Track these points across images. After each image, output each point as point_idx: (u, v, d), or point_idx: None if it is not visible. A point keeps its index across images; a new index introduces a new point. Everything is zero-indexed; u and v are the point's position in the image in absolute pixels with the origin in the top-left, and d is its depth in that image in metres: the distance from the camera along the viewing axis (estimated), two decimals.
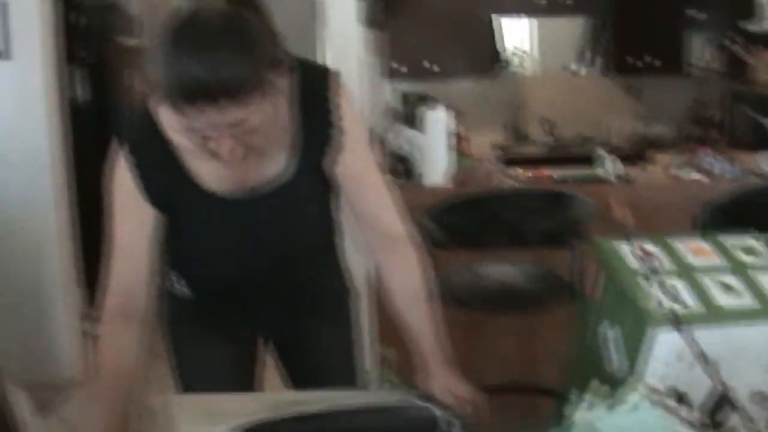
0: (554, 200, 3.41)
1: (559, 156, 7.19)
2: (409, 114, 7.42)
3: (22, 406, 1.63)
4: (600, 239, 1.66)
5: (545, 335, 3.95)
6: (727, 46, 6.79)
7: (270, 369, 2.49)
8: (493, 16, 7.69)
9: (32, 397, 1.75)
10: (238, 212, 2.04)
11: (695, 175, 4.29)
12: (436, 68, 7.52)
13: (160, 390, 1.99)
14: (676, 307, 1.47)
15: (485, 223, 3.41)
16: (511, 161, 5.23)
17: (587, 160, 6.42)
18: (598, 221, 3.32)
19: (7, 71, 4.96)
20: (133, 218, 2.01)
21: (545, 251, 3.57)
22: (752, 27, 6.45)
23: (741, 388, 1.47)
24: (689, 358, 1.46)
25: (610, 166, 2.85)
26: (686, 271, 1.58)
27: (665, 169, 4.42)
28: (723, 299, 1.53)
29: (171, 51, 1.68)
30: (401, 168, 4.46)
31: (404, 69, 7.50)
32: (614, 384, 1.49)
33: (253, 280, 2.19)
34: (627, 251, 1.61)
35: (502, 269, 3.51)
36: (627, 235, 1.60)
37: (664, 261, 1.59)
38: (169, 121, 1.83)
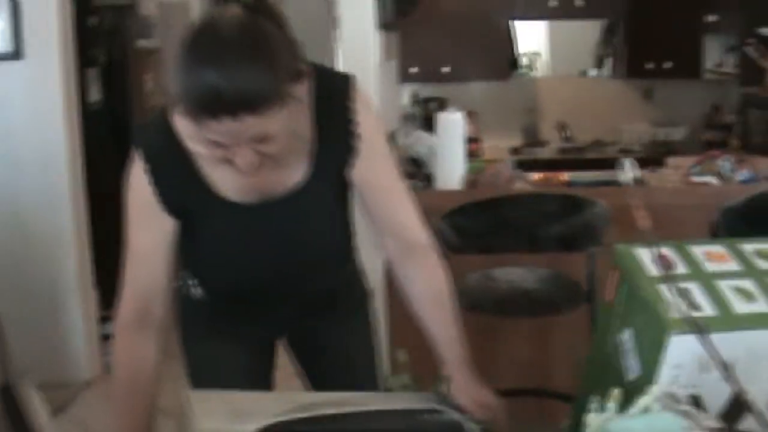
0: (569, 204, 3.40)
1: (574, 159, 7.18)
2: (423, 117, 7.44)
3: (37, 406, 1.63)
4: (618, 244, 1.65)
5: (558, 339, 3.94)
6: (743, 50, 6.77)
7: (288, 372, 2.50)
8: (508, 20, 7.69)
9: (47, 398, 1.76)
10: (255, 219, 2.04)
11: (711, 180, 4.27)
12: (450, 71, 7.52)
13: (174, 390, 2.00)
14: (693, 312, 1.46)
15: (499, 226, 3.40)
16: (526, 164, 5.22)
17: (602, 163, 6.42)
18: (613, 225, 3.31)
19: (20, 71, 4.99)
20: (149, 226, 2.01)
21: (559, 255, 3.56)
22: None
23: (758, 394, 1.46)
24: (706, 364, 1.45)
25: (630, 171, 2.80)
26: (702, 276, 1.57)
27: (681, 174, 4.41)
28: (739, 304, 1.52)
29: (190, 61, 1.68)
30: (415, 171, 4.46)
31: (419, 72, 7.50)
32: (631, 390, 1.49)
33: (269, 284, 2.19)
34: (645, 256, 1.60)
35: (516, 273, 3.50)
36: (648, 240, 1.59)
37: (680, 266, 1.59)
38: (187, 129, 1.83)
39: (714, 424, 1.38)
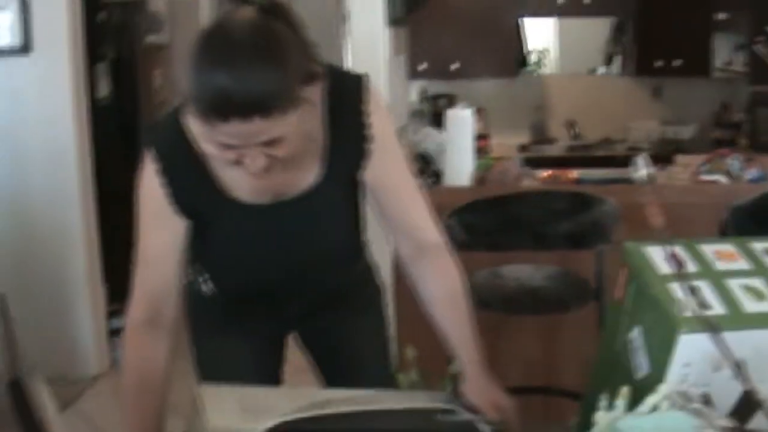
0: (577, 202, 3.40)
1: (582, 157, 7.18)
2: (432, 113, 7.44)
3: (46, 400, 1.63)
4: (627, 242, 1.65)
5: (566, 337, 3.94)
6: (752, 49, 6.76)
7: (297, 366, 2.50)
8: (517, 17, 7.68)
9: (54, 393, 1.76)
10: (267, 220, 2.03)
11: (720, 178, 4.27)
12: (459, 68, 7.52)
13: (184, 386, 2.00)
14: (702, 311, 1.46)
15: (507, 224, 3.40)
16: (534, 162, 5.22)
17: (611, 161, 6.42)
18: (622, 223, 3.30)
19: (28, 66, 5.00)
20: (161, 227, 2.01)
21: (567, 253, 3.56)
22: None
23: (767, 392, 1.46)
24: (715, 362, 1.45)
25: (643, 167, 2.78)
26: (712, 275, 1.57)
27: (689, 172, 4.41)
28: (749, 303, 1.52)
29: (201, 63, 1.68)
30: (423, 167, 4.46)
31: (428, 68, 7.50)
32: (640, 388, 1.49)
33: (280, 282, 2.19)
34: (654, 254, 1.60)
35: (524, 270, 3.50)
36: (660, 237, 1.59)
37: (690, 264, 1.58)
38: (198, 130, 1.82)
39: (726, 422, 1.38)
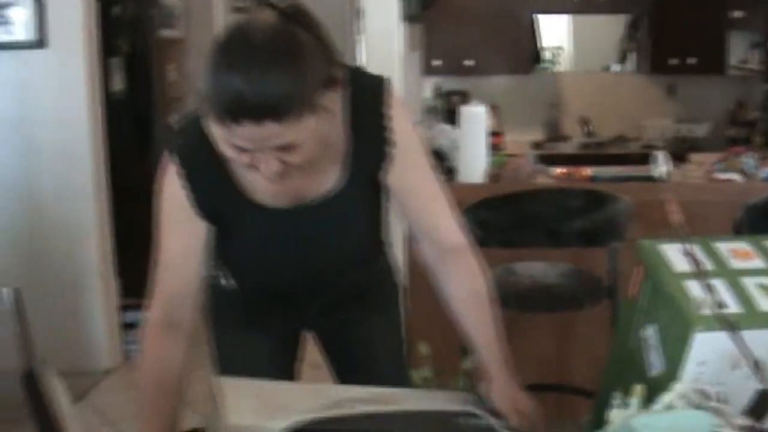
0: (591, 199, 3.39)
1: (596, 155, 7.16)
2: (445, 110, 7.44)
3: (59, 393, 1.63)
4: (642, 240, 1.64)
5: (579, 335, 3.93)
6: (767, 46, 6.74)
7: (311, 362, 2.51)
8: (532, 14, 7.68)
9: (68, 386, 1.76)
10: (288, 224, 2.03)
11: (734, 177, 4.25)
12: (473, 65, 7.51)
13: (202, 378, 2.00)
14: (718, 309, 1.45)
15: (521, 221, 3.39)
16: (547, 159, 5.20)
17: (624, 159, 6.41)
18: (636, 221, 3.30)
19: (43, 60, 5.01)
20: (182, 230, 2.01)
21: (581, 250, 3.55)
22: None
23: None
24: (733, 361, 1.44)
25: (663, 164, 2.81)
26: (728, 273, 1.56)
27: (704, 170, 4.39)
28: (764, 302, 1.51)
29: (218, 65, 1.67)
30: (437, 164, 4.45)
31: (442, 65, 7.49)
32: (654, 386, 1.48)
33: (299, 282, 2.20)
34: (669, 252, 1.60)
35: (537, 268, 3.49)
36: (679, 234, 1.58)
37: (705, 263, 1.58)
38: (217, 133, 1.82)
39: (744, 421, 1.37)
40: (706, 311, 1.45)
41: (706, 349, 1.45)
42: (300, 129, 1.69)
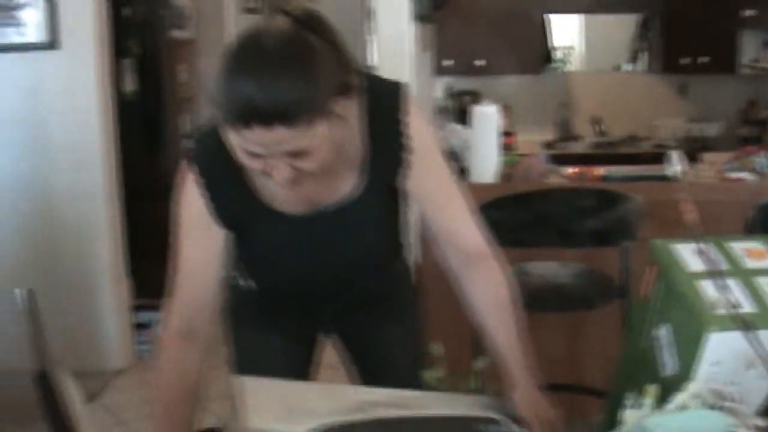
0: (603, 199, 3.38)
1: (608, 154, 7.15)
2: (457, 110, 7.44)
3: (72, 393, 1.64)
4: (655, 239, 1.64)
5: (591, 335, 3.92)
6: None
7: (330, 365, 2.51)
8: (543, 13, 7.67)
9: (80, 386, 1.77)
10: (306, 230, 2.03)
11: (746, 176, 4.24)
12: (484, 65, 7.50)
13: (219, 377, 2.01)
14: (733, 309, 1.45)
15: (533, 220, 3.39)
16: (559, 159, 5.19)
17: (636, 159, 6.39)
18: (648, 221, 3.29)
19: (55, 62, 5.02)
20: (201, 239, 2.01)
21: (593, 250, 3.54)
22: None
23: None
24: (748, 360, 1.44)
25: (677, 163, 2.81)
26: (742, 273, 1.56)
27: (716, 170, 4.38)
28: None
29: (230, 71, 1.67)
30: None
31: (453, 65, 7.49)
32: (667, 386, 1.48)
33: (317, 287, 2.20)
34: (683, 252, 1.59)
35: (549, 268, 3.48)
36: (695, 236, 1.58)
37: (719, 262, 1.57)
38: (232, 139, 1.81)
39: (761, 422, 1.37)
40: (721, 311, 1.45)
41: (720, 349, 1.45)
42: (311, 135, 1.69)
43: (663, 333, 1.58)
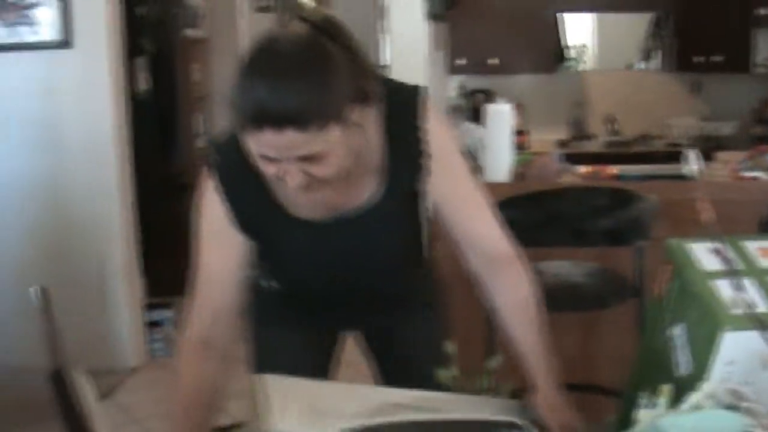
0: (617, 198, 3.37)
1: (621, 153, 7.14)
2: (470, 109, 7.43)
3: (86, 390, 1.64)
4: (670, 239, 1.63)
5: (605, 334, 3.91)
6: None
7: (351, 362, 2.52)
8: (556, 12, 7.66)
9: (94, 384, 1.77)
10: (327, 236, 2.03)
11: (760, 175, 4.22)
12: (498, 63, 7.50)
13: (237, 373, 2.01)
14: (748, 308, 1.45)
15: (546, 220, 3.38)
16: (572, 158, 5.19)
17: (649, 158, 6.38)
18: (662, 220, 3.28)
19: (69, 60, 5.03)
20: (222, 246, 2.01)
21: (607, 249, 3.54)
22: None
23: None
24: (762, 360, 1.43)
25: (695, 162, 2.79)
26: (757, 272, 1.55)
27: (729, 169, 4.36)
28: None
29: (244, 73, 1.69)
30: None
31: (466, 64, 7.48)
32: (682, 386, 1.47)
33: (340, 290, 2.20)
34: (697, 251, 1.59)
35: (563, 267, 3.48)
36: (713, 235, 1.57)
37: (735, 262, 1.57)
38: (249, 144, 1.81)
39: None
40: (736, 310, 1.44)
41: (735, 348, 1.44)
42: (323, 140, 1.70)
43: (677, 332, 1.58)
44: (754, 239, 1.66)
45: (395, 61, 5.20)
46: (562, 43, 7.92)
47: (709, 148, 6.35)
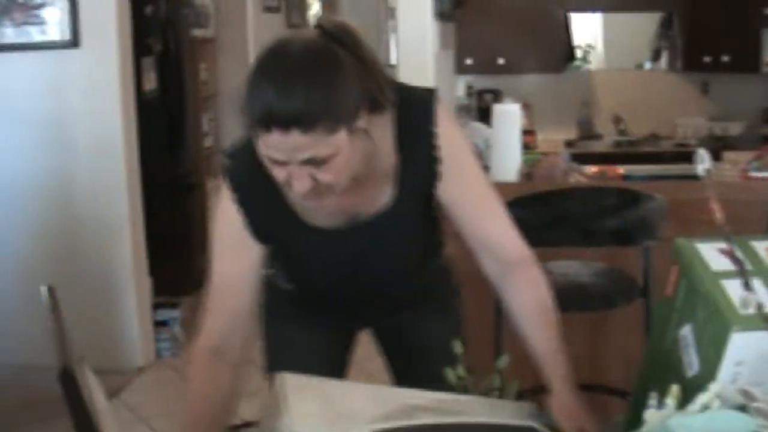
0: (625, 198, 3.37)
1: (629, 153, 7.13)
2: (478, 108, 7.43)
3: (95, 389, 1.64)
4: (678, 238, 1.63)
5: (614, 334, 3.91)
6: None
7: (366, 357, 2.53)
8: (564, 12, 7.65)
9: (102, 383, 1.77)
10: (342, 242, 2.04)
11: None
12: (505, 63, 7.49)
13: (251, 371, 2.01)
14: (758, 308, 1.44)
15: (554, 219, 3.38)
16: (580, 158, 5.18)
17: (657, 158, 6.37)
18: (670, 220, 3.28)
19: (77, 60, 5.04)
20: (237, 254, 2.02)
21: (614, 249, 3.53)
22: None
23: None
24: None
25: (707, 162, 2.75)
26: (765, 272, 1.55)
27: (738, 169, 4.36)
28: None
29: (254, 75, 1.71)
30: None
31: (474, 63, 7.48)
32: (690, 386, 1.47)
33: (355, 294, 2.21)
34: (707, 251, 1.58)
35: (571, 267, 3.47)
36: (723, 235, 1.57)
37: (744, 262, 1.56)
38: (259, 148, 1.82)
39: None
40: (748, 310, 1.44)
41: (744, 348, 1.44)
42: (330, 144, 1.71)
43: (686, 333, 1.57)
44: (763, 239, 1.65)
45: (403, 61, 5.19)
46: (570, 42, 7.91)
47: (718, 148, 6.34)
